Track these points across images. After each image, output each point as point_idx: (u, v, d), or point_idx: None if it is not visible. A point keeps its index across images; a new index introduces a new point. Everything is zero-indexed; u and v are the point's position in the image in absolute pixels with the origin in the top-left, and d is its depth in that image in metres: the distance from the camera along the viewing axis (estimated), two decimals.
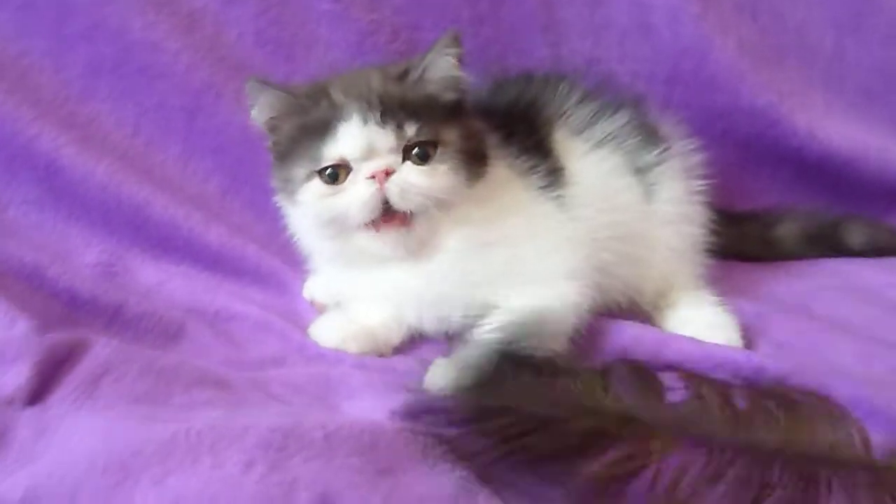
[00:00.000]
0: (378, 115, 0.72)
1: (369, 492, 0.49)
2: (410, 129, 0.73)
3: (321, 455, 0.50)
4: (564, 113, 0.86)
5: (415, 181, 0.73)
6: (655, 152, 0.88)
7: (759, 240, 1.11)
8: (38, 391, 0.59)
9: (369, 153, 0.73)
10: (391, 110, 0.72)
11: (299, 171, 0.75)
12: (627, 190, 0.86)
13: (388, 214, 0.74)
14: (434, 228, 0.76)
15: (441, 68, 0.76)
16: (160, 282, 0.88)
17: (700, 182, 0.91)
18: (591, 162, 0.85)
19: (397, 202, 0.72)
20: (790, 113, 1.14)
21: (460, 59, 0.77)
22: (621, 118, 0.87)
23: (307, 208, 0.76)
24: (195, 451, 0.49)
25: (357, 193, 0.73)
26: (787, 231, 1.12)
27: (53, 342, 0.62)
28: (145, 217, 0.91)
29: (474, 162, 0.76)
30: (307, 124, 0.75)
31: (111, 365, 0.62)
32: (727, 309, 0.86)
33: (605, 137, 0.86)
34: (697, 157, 0.91)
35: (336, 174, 0.74)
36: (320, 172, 0.74)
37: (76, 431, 0.51)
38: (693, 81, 1.12)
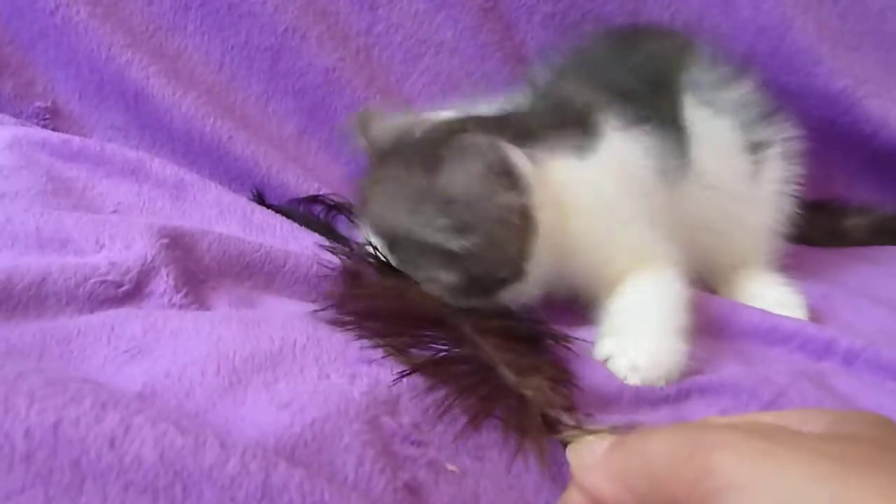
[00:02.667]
0: (382, 242, 0.69)
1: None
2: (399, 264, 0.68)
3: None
4: (694, 80, 0.84)
5: None
6: (769, 130, 0.87)
7: (827, 230, 1.11)
8: (140, 288, 0.60)
9: None
10: (393, 246, 0.68)
11: None
12: (737, 168, 0.86)
13: None
14: None
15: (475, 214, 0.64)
16: None
17: (797, 168, 0.91)
18: (712, 134, 0.83)
19: None
20: (864, 99, 1.12)
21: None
22: (744, 87, 0.86)
23: None
24: (301, 363, 0.51)
25: None
26: (856, 224, 1.12)
27: (153, 246, 0.63)
28: (225, 153, 0.93)
29: (493, 286, 0.67)
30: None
31: (210, 272, 0.65)
32: (796, 289, 0.87)
33: (728, 107, 0.85)
34: (799, 143, 0.91)
35: None
36: None
37: (184, 331, 0.53)
38: (769, 61, 1.11)
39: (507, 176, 0.62)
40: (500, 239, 0.64)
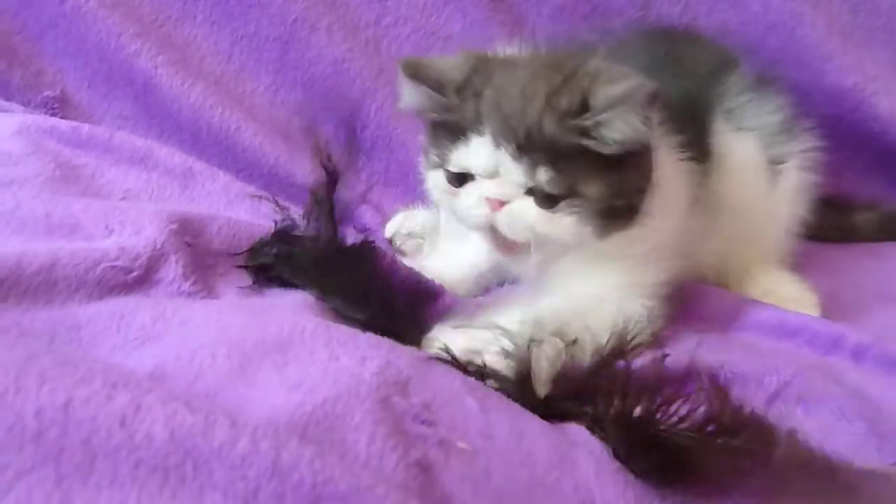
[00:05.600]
0: (514, 147, 0.63)
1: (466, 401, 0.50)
2: (543, 175, 0.63)
3: (428, 362, 0.53)
4: (723, 99, 0.83)
5: (527, 220, 0.65)
6: (789, 143, 0.87)
7: (836, 227, 1.10)
8: (149, 275, 0.60)
9: (495, 174, 0.65)
10: (531, 149, 0.63)
11: (432, 155, 0.69)
12: (760, 183, 0.85)
13: (502, 239, 0.68)
14: (554, 258, 0.70)
15: (621, 130, 0.63)
16: None
17: (815, 177, 0.91)
18: (737, 154, 0.83)
19: (504, 231, 0.66)
20: (874, 97, 1.12)
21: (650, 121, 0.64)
22: (771, 108, 0.85)
23: (430, 189, 0.72)
24: (310, 347, 0.50)
25: (469, 205, 0.67)
26: (865, 220, 1.11)
27: (162, 231, 0.63)
28: (233, 143, 0.93)
29: (618, 217, 0.67)
30: (449, 120, 0.67)
31: (218, 259, 0.65)
32: (807, 284, 0.87)
33: (754, 128, 0.84)
34: (818, 153, 0.91)
35: (462, 177, 0.67)
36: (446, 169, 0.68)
37: (193, 319, 0.53)
38: (778, 56, 1.10)
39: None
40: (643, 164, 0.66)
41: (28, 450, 0.34)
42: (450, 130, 0.67)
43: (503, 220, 0.65)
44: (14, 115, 0.84)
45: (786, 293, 0.85)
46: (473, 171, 0.66)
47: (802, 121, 0.90)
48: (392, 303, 0.63)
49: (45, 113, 0.94)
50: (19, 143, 0.77)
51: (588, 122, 0.63)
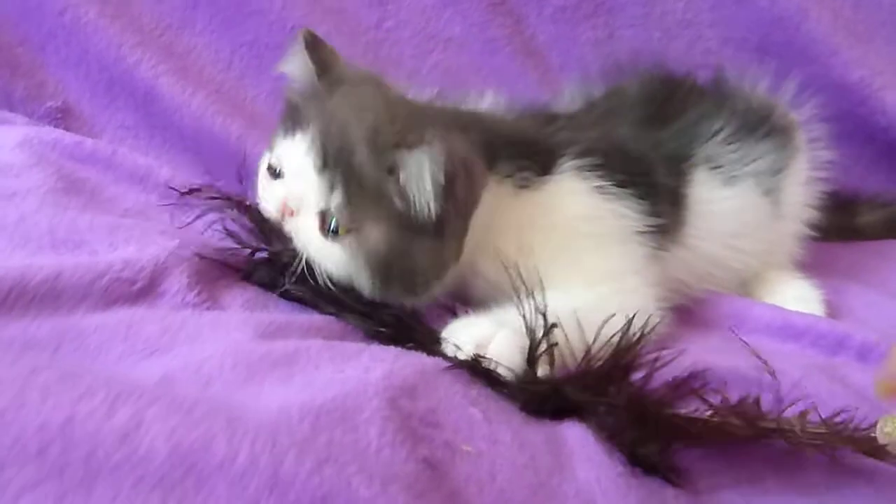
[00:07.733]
0: (321, 160, 0.62)
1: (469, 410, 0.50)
2: (335, 200, 0.61)
3: (432, 373, 0.53)
4: (711, 156, 0.82)
5: (307, 237, 0.63)
6: (787, 172, 0.86)
7: (841, 226, 1.08)
8: (154, 286, 0.60)
9: (299, 181, 0.63)
10: (335, 167, 0.61)
11: (273, 136, 0.68)
12: (756, 216, 0.84)
13: None
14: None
15: (414, 175, 0.59)
16: None
17: (820, 190, 0.91)
18: (725, 201, 0.81)
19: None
20: (880, 91, 1.11)
21: (448, 171, 0.58)
22: (766, 157, 0.84)
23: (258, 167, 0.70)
24: (316, 362, 0.51)
25: (271, 199, 0.65)
26: (870, 221, 1.11)
27: (166, 248, 0.63)
28: (235, 152, 0.93)
29: (395, 278, 0.63)
30: (295, 104, 0.67)
31: (223, 271, 0.66)
32: (813, 283, 0.86)
33: (746, 174, 0.83)
34: (826, 168, 0.91)
35: (277, 172, 0.66)
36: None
37: (200, 331, 0.54)
38: (785, 52, 1.10)
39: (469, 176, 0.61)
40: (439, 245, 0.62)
41: (31, 466, 0.35)
42: (291, 119, 0.65)
43: (288, 227, 0.64)
44: (17, 127, 0.84)
45: (791, 292, 0.85)
46: (284, 169, 0.64)
47: (809, 130, 0.90)
48: (401, 313, 0.64)
49: (48, 124, 0.94)
50: (21, 155, 0.77)
51: (393, 159, 0.60)
